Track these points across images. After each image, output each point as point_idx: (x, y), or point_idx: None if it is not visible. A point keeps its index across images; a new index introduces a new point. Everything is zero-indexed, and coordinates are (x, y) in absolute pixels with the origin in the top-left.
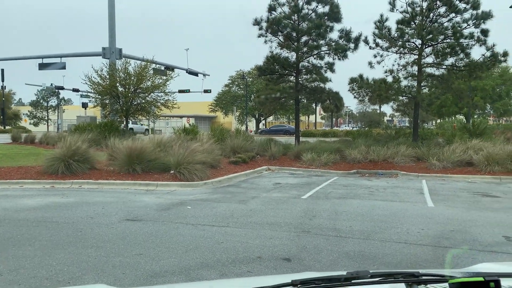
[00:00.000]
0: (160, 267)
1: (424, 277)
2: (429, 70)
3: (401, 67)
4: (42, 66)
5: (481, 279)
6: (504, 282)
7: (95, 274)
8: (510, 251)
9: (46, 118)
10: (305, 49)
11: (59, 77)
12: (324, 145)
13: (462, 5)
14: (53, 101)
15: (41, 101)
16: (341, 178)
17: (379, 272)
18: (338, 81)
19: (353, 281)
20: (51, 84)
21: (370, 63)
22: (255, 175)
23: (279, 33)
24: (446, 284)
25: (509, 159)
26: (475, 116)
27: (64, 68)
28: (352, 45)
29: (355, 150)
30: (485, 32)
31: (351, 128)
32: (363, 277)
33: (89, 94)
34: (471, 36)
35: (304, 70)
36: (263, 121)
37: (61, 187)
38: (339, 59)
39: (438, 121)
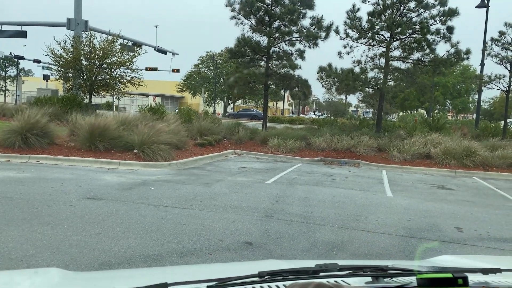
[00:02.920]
0: (119, 247)
1: (391, 271)
2: (395, 63)
3: (369, 59)
4: (0, 34)
5: (449, 275)
6: (470, 277)
7: (50, 252)
8: (460, 241)
9: (3, 88)
10: (277, 34)
11: (19, 46)
12: (291, 132)
13: (430, 1)
14: (11, 71)
15: None
16: (305, 165)
17: (348, 265)
18: (308, 69)
19: (321, 273)
20: (10, 53)
21: (339, 53)
22: (221, 158)
23: (252, 16)
24: (413, 278)
25: (464, 154)
26: (436, 111)
27: (24, 37)
28: (323, 34)
29: (320, 138)
30: (450, 29)
31: (317, 116)
32: (332, 270)
33: (51, 66)
34: (437, 32)
35: (275, 56)
36: (232, 105)
37: (17, 162)
38: (310, 46)
39: (401, 114)
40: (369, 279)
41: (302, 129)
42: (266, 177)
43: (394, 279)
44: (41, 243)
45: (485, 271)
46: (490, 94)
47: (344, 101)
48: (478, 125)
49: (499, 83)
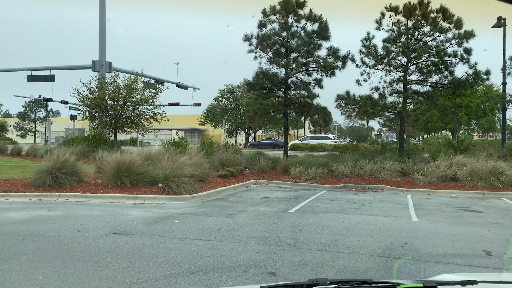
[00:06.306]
0: (146, 280)
1: (374, 284)
2: (414, 87)
3: (387, 84)
4: (31, 79)
5: (420, 285)
6: None
7: (82, 287)
8: (489, 265)
9: (33, 130)
10: (294, 65)
11: (47, 89)
12: (312, 159)
13: (445, 25)
14: (41, 113)
15: (28, 113)
16: (328, 192)
17: (337, 279)
18: (327, 95)
19: (314, 287)
20: (40, 96)
21: (357, 81)
22: (243, 188)
23: (269, 50)
24: None
25: (491, 175)
26: (461, 132)
27: (53, 80)
28: (340, 63)
29: (343, 165)
30: (468, 51)
31: (339, 142)
32: (323, 284)
33: (77, 106)
34: (454, 54)
35: (292, 86)
36: (253, 134)
37: (48, 200)
38: (327, 76)
39: (425, 136)
40: None
41: (323, 156)
42: (289, 206)
43: None
44: (73, 278)
45: (463, 283)
46: None
47: (366, 126)
48: (504, 144)
49: None
